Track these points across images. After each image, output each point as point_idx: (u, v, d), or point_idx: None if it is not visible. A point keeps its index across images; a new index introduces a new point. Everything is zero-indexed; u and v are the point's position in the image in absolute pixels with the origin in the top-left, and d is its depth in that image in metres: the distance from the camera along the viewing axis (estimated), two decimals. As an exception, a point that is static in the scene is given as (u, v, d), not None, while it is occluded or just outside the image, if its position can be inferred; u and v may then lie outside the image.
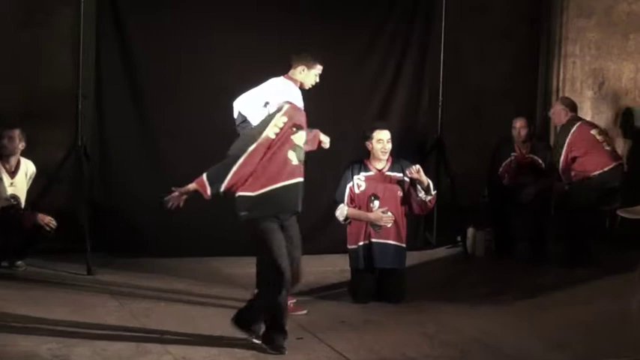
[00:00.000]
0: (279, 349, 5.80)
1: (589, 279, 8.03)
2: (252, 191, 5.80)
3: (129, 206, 8.56)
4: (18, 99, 8.46)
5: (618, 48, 9.38)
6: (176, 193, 5.90)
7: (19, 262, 7.88)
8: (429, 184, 7.25)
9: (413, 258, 7.85)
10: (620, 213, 8.37)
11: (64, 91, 8.43)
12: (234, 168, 5.79)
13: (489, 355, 6.05)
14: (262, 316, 5.88)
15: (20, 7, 8.48)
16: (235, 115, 6.93)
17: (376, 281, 7.26)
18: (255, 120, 6.73)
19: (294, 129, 5.88)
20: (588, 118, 9.57)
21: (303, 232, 8.27)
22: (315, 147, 6.81)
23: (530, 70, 10.02)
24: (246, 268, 7.53)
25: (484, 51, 9.76)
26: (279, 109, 5.95)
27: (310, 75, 6.90)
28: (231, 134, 8.02)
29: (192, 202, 8.52)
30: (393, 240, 7.25)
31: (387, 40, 9.23)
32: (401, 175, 7.30)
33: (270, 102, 6.74)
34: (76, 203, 8.19)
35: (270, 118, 5.91)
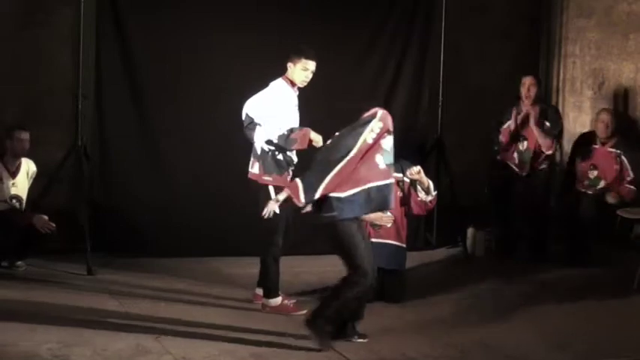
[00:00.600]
0: (324, 344, 5.85)
1: (589, 279, 8.03)
2: (341, 192, 5.82)
3: (129, 206, 8.56)
4: (18, 99, 8.46)
5: (618, 48, 9.37)
6: (270, 203, 5.97)
7: (19, 262, 7.88)
8: (429, 185, 7.25)
9: (413, 258, 7.85)
10: (621, 213, 8.43)
11: (64, 91, 8.43)
12: (332, 175, 5.81)
13: (489, 355, 6.05)
14: (337, 315, 5.91)
15: (20, 7, 8.47)
16: (243, 117, 6.97)
17: (376, 281, 7.24)
18: (261, 122, 6.76)
19: (386, 134, 5.96)
20: (588, 118, 9.58)
21: (303, 233, 8.31)
22: (305, 146, 6.80)
23: (530, 70, 10.00)
24: (246, 268, 7.55)
25: (484, 51, 9.76)
26: (373, 115, 5.98)
27: (297, 71, 6.83)
28: (231, 134, 8.07)
29: (192, 202, 8.60)
30: (393, 240, 7.25)
31: (387, 40, 9.23)
32: (401, 175, 7.29)
33: (253, 113, 6.81)
34: (76, 203, 8.19)
35: (366, 123, 5.94)
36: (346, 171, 5.79)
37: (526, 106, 8.62)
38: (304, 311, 6.77)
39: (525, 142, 8.53)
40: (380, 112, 6.02)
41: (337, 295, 5.93)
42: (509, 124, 8.71)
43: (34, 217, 7.73)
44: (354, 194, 5.81)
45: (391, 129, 6.00)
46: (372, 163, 5.86)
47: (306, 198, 5.79)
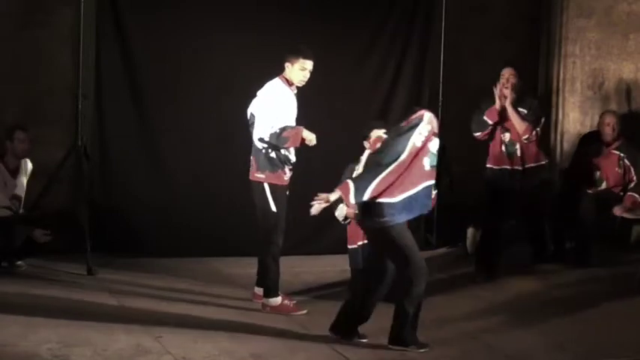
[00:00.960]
0: (423, 345, 5.95)
1: (590, 279, 8.03)
2: (393, 197, 5.89)
3: (129, 206, 8.56)
4: (18, 99, 8.46)
5: (618, 48, 9.38)
6: (319, 201, 6.00)
7: (19, 262, 7.89)
8: None
9: (413, 258, 7.83)
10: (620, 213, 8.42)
11: (64, 91, 8.43)
12: (381, 178, 5.86)
13: (489, 355, 6.05)
14: (414, 315, 5.98)
15: (20, 7, 8.47)
16: (248, 116, 6.99)
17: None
18: (260, 121, 6.76)
19: (433, 136, 6.01)
20: (588, 118, 9.58)
21: (303, 233, 8.33)
22: (297, 144, 6.80)
23: (530, 70, 10.01)
24: (246, 268, 7.55)
25: (484, 51, 9.75)
26: (420, 117, 6.00)
27: (294, 70, 6.84)
28: (231, 134, 8.08)
29: (192, 202, 8.60)
30: (393, 240, 7.24)
31: (387, 40, 9.23)
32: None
33: (255, 112, 6.82)
34: (76, 203, 8.19)
35: (413, 126, 5.98)
36: (395, 175, 5.87)
37: (505, 95, 8.40)
38: (304, 311, 6.78)
39: (507, 134, 8.42)
40: (427, 114, 6.06)
41: (407, 298, 5.99)
42: (495, 106, 8.47)
43: (33, 231, 7.75)
44: (404, 199, 5.91)
45: (437, 131, 6.08)
46: (419, 165, 5.95)
47: (355, 199, 5.87)
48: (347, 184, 5.90)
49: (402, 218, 5.96)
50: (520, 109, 8.14)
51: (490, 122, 8.19)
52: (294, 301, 6.99)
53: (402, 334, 5.95)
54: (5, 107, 8.38)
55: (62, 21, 8.49)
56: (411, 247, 5.98)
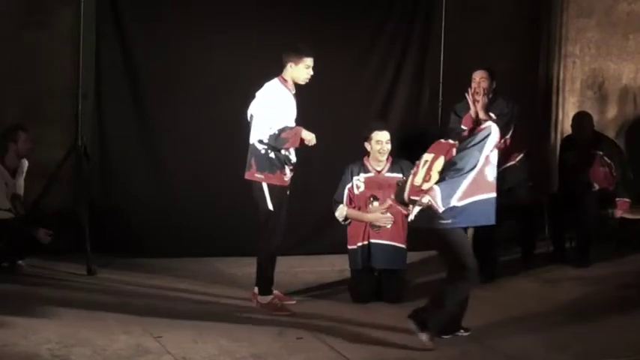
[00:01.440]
0: (432, 341, 6.05)
1: (589, 279, 8.03)
2: (457, 201, 6.01)
3: (129, 206, 8.56)
4: (18, 99, 8.45)
5: (618, 48, 9.38)
6: (411, 207, 6.16)
7: (19, 262, 7.88)
8: None
9: (413, 258, 7.84)
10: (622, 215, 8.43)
11: (64, 91, 8.42)
12: (466, 185, 6.03)
13: (489, 355, 6.05)
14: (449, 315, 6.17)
15: (20, 7, 8.47)
16: (249, 117, 7.00)
17: (376, 281, 7.26)
18: (259, 122, 6.76)
19: (495, 148, 6.21)
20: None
21: (304, 233, 8.33)
22: (297, 145, 6.81)
23: (530, 70, 10.01)
24: (246, 268, 7.55)
25: (484, 51, 9.74)
26: (488, 129, 6.21)
27: (299, 69, 6.86)
28: (231, 134, 8.07)
29: (192, 202, 8.60)
30: (392, 241, 7.25)
31: (387, 40, 9.22)
32: (400, 175, 7.29)
33: (253, 113, 6.83)
34: (76, 203, 8.19)
35: (485, 137, 6.16)
36: (475, 180, 6.06)
37: (477, 100, 8.27)
38: (288, 312, 6.78)
39: None
40: (493, 126, 6.26)
41: (451, 295, 6.14)
42: (470, 112, 8.38)
43: (37, 231, 7.75)
44: (467, 204, 6.03)
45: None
46: (483, 175, 6.11)
47: (443, 204, 5.98)
48: (434, 189, 6.02)
49: (462, 223, 6.14)
50: (491, 114, 8.07)
51: (466, 130, 8.18)
52: (294, 302, 7.02)
53: (427, 319, 6.04)
54: (5, 107, 8.37)
55: (62, 21, 8.48)
56: (467, 254, 6.16)
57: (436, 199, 5.96)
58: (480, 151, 6.09)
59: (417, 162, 6.36)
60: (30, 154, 8.05)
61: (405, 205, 6.32)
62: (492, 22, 9.82)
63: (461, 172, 6.02)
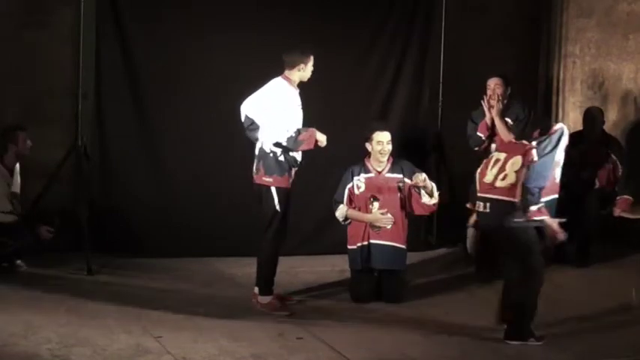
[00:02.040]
0: (541, 338, 6.23)
1: (589, 279, 8.03)
2: None
3: (129, 206, 8.56)
4: (18, 99, 8.45)
5: (618, 48, 9.37)
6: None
7: (19, 262, 7.88)
8: (432, 188, 7.26)
9: (413, 258, 7.85)
10: (620, 213, 8.42)
11: (64, 91, 8.42)
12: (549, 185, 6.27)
13: (489, 355, 6.05)
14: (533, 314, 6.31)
15: (20, 7, 8.47)
16: (243, 119, 6.97)
17: (376, 281, 7.26)
18: (262, 123, 6.76)
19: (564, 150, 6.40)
20: (588, 118, 9.58)
21: (304, 233, 8.32)
22: (311, 146, 6.82)
23: (530, 70, 10.01)
24: (247, 268, 7.55)
25: (484, 51, 9.74)
26: (561, 131, 6.32)
27: (308, 69, 6.96)
28: (231, 134, 8.06)
29: (192, 202, 8.60)
30: (392, 241, 7.25)
31: (387, 40, 9.22)
32: (401, 176, 7.30)
33: (254, 114, 6.82)
34: (76, 203, 8.19)
35: (559, 139, 6.29)
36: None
37: (492, 106, 8.37)
38: (287, 312, 6.78)
39: (493, 145, 8.43)
40: (564, 128, 6.38)
41: (527, 299, 6.27)
42: (485, 119, 8.46)
43: (39, 228, 7.77)
44: (541, 205, 6.20)
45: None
46: (553, 177, 6.29)
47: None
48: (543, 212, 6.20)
49: (535, 223, 6.23)
50: (507, 120, 8.12)
51: (483, 137, 8.22)
52: (294, 302, 7.02)
53: (522, 330, 6.22)
54: (5, 107, 8.37)
55: (62, 21, 8.48)
56: (538, 252, 6.28)
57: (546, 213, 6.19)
58: (558, 152, 6.24)
59: (485, 160, 6.54)
60: (27, 154, 8.04)
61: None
62: (492, 22, 9.82)
63: (544, 176, 6.19)
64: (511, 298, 6.35)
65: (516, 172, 6.20)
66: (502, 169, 6.29)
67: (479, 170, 6.49)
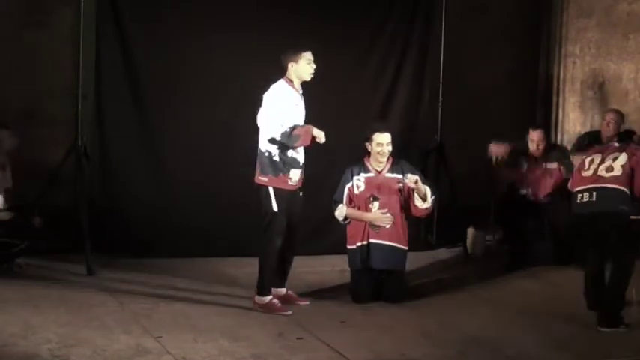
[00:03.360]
0: (628, 325, 6.57)
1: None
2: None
3: (129, 206, 8.56)
4: (18, 99, 8.46)
5: (618, 48, 9.38)
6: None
7: (19, 262, 7.88)
8: (426, 193, 7.22)
9: (413, 258, 7.84)
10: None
11: (64, 91, 8.43)
12: None
13: (489, 355, 6.05)
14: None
15: (20, 7, 8.48)
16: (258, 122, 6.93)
17: (376, 281, 7.26)
18: (269, 121, 6.76)
19: None
20: (588, 118, 9.58)
21: (304, 233, 8.30)
22: (308, 142, 6.80)
23: (530, 70, 10.02)
24: (247, 268, 7.55)
25: (484, 51, 9.76)
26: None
27: (301, 66, 6.85)
28: (231, 134, 8.08)
29: (192, 202, 8.60)
30: (392, 241, 7.24)
31: (387, 40, 9.22)
32: (401, 176, 7.29)
33: (265, 103, 6.81)
34: (76, 203, 8.19)
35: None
36: None
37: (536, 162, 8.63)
38: (289, 312, 6.77)
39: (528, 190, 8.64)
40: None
41: (623, 283, 6.63)
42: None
43: (34, 219, 7.80)
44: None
45: None
46: None
47: None
48: None
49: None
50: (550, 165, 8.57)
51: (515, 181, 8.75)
52: (307, 302, 7.03)
53: (615, 314, 6.54)
54: (5, 107, 8.37)
55: (62, 21, 8.49)
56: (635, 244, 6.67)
57: None
58: None
59: (583, 158, 6.91)
60: (15, 148, 8.02)
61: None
62: (492, 22, 9.83)
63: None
64: (601, 288, 6.68)
65: (622, 165, 6.59)
66: (602, 162, 6.68)
67: (575, 168, 6.99)
